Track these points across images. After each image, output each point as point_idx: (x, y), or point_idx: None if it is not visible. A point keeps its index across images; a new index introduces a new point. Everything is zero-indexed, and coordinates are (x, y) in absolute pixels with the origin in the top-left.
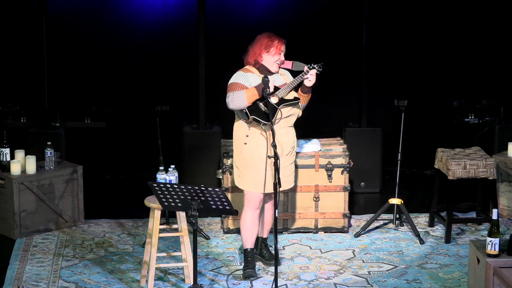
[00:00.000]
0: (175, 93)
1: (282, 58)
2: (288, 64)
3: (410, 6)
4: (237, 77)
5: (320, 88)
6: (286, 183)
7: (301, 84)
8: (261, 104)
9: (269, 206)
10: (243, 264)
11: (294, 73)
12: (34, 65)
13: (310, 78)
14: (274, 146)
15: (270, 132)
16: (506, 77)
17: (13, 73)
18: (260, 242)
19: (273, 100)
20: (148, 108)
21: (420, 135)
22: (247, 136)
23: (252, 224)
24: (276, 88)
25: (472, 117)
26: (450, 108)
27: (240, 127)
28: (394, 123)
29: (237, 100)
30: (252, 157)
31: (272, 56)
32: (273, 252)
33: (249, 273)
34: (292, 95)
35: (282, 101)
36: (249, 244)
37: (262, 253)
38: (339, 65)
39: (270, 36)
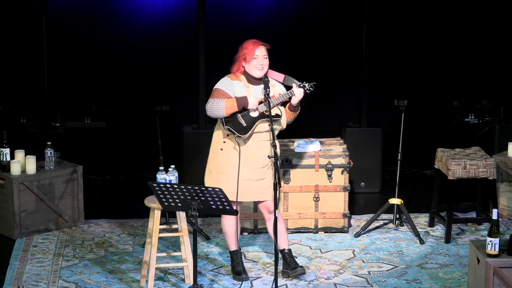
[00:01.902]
0: (175, 93)
1: (262, 61)
2: (280, 77)
3: (410, 6)
4: (222, 84)
5: (320, 88)
6: (261, 195)
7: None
8: (239, 115)
9: (270, 216)
10: (231, 264)
11: (286, 87)
12: (34, 65)
13: (296, 96)
14: (274, 146)
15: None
16: (506, 77)
17: (13, 73)
18: (281, 254)
19: (254, 113)
20: (148, 108)
21: (420, 135)
22: (224, 142)
23: (230, 229)
24: (260, 102)
25: (472, 117)
26: (450, 108)
27: (219, 132)
28: (394, 123)
29: (215, 108)
30: (226, 164)
31: (249, 63)
32: (298, 262)
33: (243, 278)
34: (276, 110)
35: (262, 115)
36: (233, 246)
37: (288, 264)
38: (339, 65)
39: (246, 43)
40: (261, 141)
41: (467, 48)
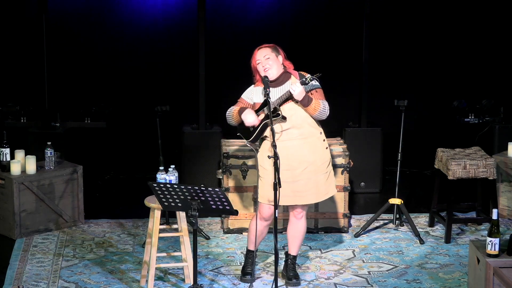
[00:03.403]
0: (175, 93)
1: (264, 63)
2: (295, 74)
3: (410, 6)
4: (245, 92)
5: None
6: (293, 198)
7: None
8: None
9: (293, 219)
10: (243, 263)
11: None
12: (34, 65)
13: (293, 91)
14: (274, 146)
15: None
16: (506, 77)
17: (13, 73)
18: (286, 259)
19: (260, 116)
20: (148, 108)
21: (420, 135)
22: (258, 145)
23: (255, 232)
24: (266, 104)
25: (472, 117)
26: (450, 108)
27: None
28: (394, 123)
29: (228, 117)
30: (260, 167)
31: (258, 67)
32: (298, 272)
33: (247, 280)
34: (290, 107)
35: (267, 117)
36: (251, 246)
37: (287, 271)
38: (339, 65)
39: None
40: (282, 141)
41: (467, 48)
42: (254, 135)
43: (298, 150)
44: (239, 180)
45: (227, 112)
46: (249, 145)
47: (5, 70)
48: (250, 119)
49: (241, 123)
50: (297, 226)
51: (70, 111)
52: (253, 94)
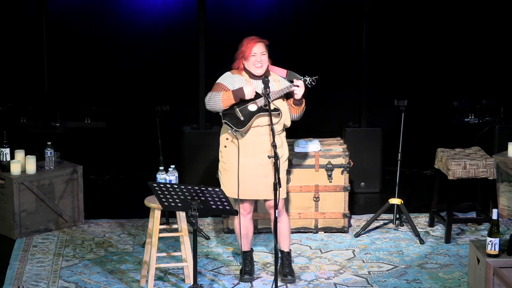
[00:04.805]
0: (175, 93)
1: (260, 58)
2: (283, 72)
3: (410, 6)
4: (223, 78)
5: (320, 88)
6: (266, 193)
7: (290, 94)
8: (237, 109)
9: (278, 217)
10: (241, 264)
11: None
12: (34, 65)
13: (298, 89)
14: (274, 146)
15: (243, 138)
16: (506, 77)
17: (13, 73)
18: (280, 256)
19: (252, 107)
20: (148, 108)
21: (420, 135)
22: (227, 139)
23: (242, 230)
24: (258, 95)
25: (472, 117)
26: (450, 108)
27: (224, 130)
28: (394, 123)
29: (213, 101)
30: (230, 161)
31: (248, 60)
32: (293, 268)
33: (246, 279)
34: (278, 103)
35: (260, 109)
36: (244, 247)
37: (283, 268)
38: (339, 65)
39: (244, 41)
40: (262, 135)
41: (467, 48)
42: (247, 124)
43: (266, 144)
44: None
45: (208, 97)
46: (234, 134)
47: (5, 70)
48: (250, 90)
49: (228, 109)
50: (280, 222)
51: (70, 111)
52: (234, 82)
